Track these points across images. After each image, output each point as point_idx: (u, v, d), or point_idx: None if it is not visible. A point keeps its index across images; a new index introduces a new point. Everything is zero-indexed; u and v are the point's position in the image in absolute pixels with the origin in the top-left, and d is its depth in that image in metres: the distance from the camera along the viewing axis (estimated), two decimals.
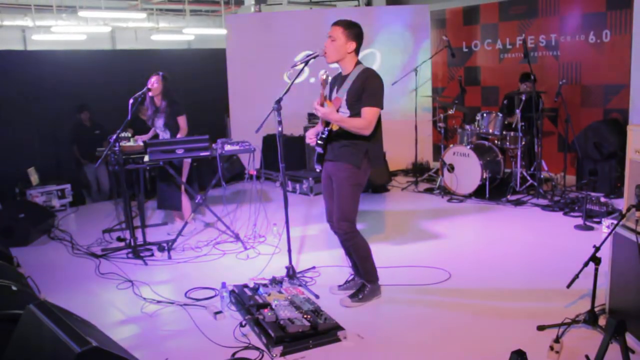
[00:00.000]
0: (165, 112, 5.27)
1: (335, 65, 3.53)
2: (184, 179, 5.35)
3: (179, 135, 5.32)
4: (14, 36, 11.34)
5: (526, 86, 6.61)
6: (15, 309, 2.76)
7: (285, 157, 3.96)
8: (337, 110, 3.39)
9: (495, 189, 6.42)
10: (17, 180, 6.85)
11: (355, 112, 3.40)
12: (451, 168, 6.54)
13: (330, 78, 3.55)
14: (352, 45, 3.42)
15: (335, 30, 3.40)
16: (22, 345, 2.50)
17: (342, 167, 3.48)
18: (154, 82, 5.14)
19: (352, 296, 3.70)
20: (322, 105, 3.42)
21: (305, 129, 7.25)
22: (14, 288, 3.18)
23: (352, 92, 3.40)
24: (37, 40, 10.47)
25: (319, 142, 3.54)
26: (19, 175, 6.89)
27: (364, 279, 3.73)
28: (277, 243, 4.90)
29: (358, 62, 3.49)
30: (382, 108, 3.40)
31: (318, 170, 3.70)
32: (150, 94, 5.13)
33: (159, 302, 3.87)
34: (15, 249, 4.93)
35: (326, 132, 3.49)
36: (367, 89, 3.36)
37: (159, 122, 5.34)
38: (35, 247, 5.39)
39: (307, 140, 3.71)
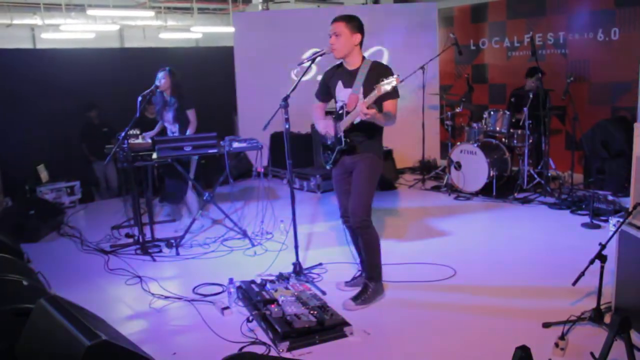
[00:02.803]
0: (174, 107, 5.31)
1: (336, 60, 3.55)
2: (191, 175, 5.38)
3: (189, 129, 5.36)
4: (23, 35, 11.43)
5: (532, 82, 6.58)
6: (26, 303, 2.80)
7: (293, 155, 3.98)
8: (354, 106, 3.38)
9: (502, 187, 6.41)
10: (27, 177, 6.92)
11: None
12: (458, 166, 6.54)
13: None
14: (358, 37, 3.44)
15: (338, 26, 3.42)
16: (33, 338, 2.54)
17: (367, 156, 3.52)
18: (162, 79, 5.18)
19: (354, 298, 3.64)
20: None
21: (313, 126, 7.26)
22: (25, 283, 3.23)
23: (369, 86, 3.37)
24: (46, 39, 10.54)
25: (344, 138, 3.48)
26: (29, 173, 6.96)
27: (368, 276, 3.70)
28: (284, 240, 4.92)
29: (364, 57, 3.51)
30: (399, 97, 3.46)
31: (328, 168, 3.70)
32: (159, 89, 5.19)
33: (167, 297, 3.91)
34: (26, 245, 4.98)
35: (343, 129, 3.48)
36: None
37: (168, 116, 5.38)
38: (45, 243, 5.45)
39: (323, 131, 3.67)
